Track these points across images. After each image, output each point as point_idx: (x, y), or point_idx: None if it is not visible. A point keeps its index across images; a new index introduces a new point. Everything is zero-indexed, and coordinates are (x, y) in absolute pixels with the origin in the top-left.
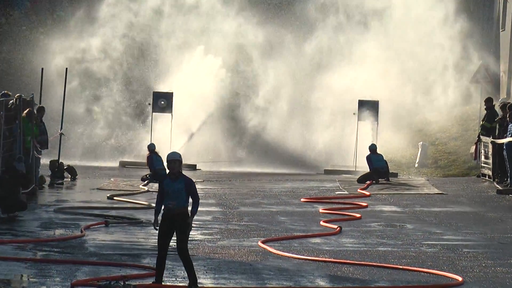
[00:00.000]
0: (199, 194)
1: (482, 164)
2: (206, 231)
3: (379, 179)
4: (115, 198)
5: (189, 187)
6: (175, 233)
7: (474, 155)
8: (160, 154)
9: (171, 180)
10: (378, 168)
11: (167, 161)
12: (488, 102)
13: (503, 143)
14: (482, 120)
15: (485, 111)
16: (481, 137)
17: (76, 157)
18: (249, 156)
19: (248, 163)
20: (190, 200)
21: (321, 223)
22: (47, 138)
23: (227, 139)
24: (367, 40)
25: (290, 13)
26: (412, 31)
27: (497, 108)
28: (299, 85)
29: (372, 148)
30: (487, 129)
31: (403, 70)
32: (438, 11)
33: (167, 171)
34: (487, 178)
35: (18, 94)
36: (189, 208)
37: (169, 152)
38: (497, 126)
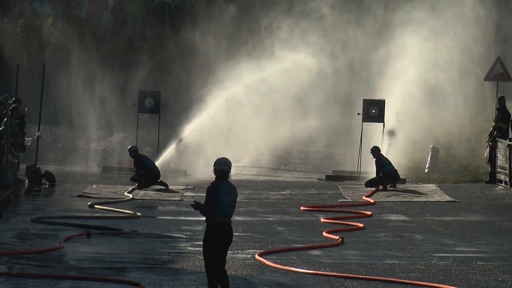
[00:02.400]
0: (185, 202)
1: (498, 169)
2: (197, 243)
3: (389, 185)
4: (96, 206)
5: None
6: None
7: (487, 159)
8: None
9: None
10: (390, 173)
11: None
12: (501, 101)
13: None
14: (494, 121)
15: (496, 111)
16: (497, 139)
17: (55, 162)
18: (243, 159)
19: (243, 168)
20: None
21: (324, 233)
22: (22, 140)
23: (222, 141)
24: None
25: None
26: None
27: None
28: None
29: (377, 149)
30: (503, 130)
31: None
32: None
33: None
34: (503, 184)
35: None
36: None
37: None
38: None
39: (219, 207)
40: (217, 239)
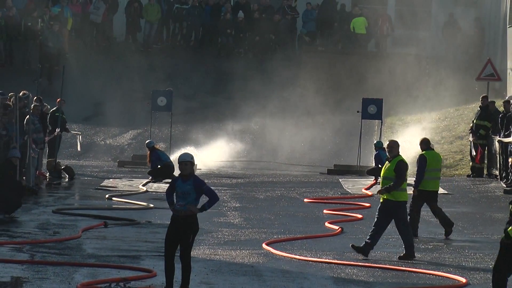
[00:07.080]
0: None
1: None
2: (206, 232)
3: None
4: (114, 199)
5: (199, 188)
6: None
7: (476, 158)
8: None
9: (182, 181)
10: None
11: (178, 163)
12: (484, 100)
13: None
14: (475, 119)
15: (479, 109)
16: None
17: (74, 157)
18: (249, 154)
19: (249, 162)
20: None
21: (326, 224)
22: (43, 137)
23: (225, 137)
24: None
25: None
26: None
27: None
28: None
29: (379, 145)
30: (488, 128)
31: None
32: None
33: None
34: (493, 177)
35: (11, 93)
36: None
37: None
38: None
39: None
40: None
